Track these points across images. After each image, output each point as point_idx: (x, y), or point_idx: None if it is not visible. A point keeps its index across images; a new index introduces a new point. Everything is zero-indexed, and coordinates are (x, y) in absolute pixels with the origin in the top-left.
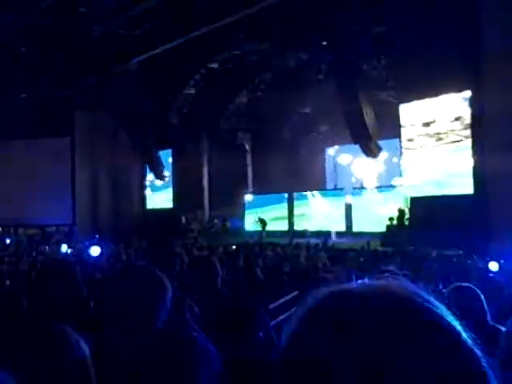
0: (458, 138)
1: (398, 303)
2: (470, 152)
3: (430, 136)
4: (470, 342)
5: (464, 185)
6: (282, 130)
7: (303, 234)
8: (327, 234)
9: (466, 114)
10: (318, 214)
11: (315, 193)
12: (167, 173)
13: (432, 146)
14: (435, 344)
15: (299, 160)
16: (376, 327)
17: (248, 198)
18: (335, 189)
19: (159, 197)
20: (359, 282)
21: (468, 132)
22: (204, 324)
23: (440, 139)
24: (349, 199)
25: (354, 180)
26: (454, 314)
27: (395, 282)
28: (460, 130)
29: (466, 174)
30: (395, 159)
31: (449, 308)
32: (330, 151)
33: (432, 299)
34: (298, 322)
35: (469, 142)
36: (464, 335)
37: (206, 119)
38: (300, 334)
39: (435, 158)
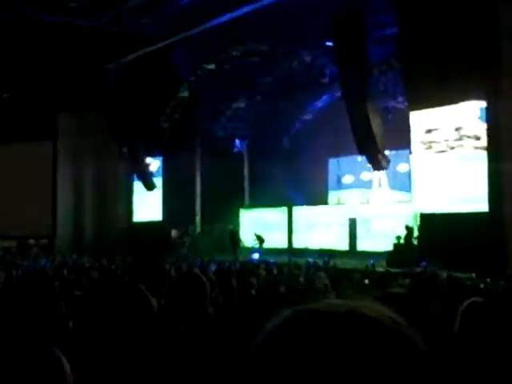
0: (473, 151)
1: (361, 322)
2: (485, 165)
3: (442, 147)
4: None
5: (479, 201)
6: (282, 138)
7: (303, 251)
8: (329, 252)
9: (482, 124)
10: (319, 230)
11: (317, 207)
12: (157, 183)
13: (444, 158)
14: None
15: (300, 171)
16: (336, 349)
17: (244, 212)
18: (338, 203)
19: (147, 209)
20: (325, 301)
21: (484, 143)
22: (188, 347)
23: (453, 150)
24: (353, 214)
25: (358, 194)
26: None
27: (365, 303)
28: (475, 141)
29: (481, 188)
30: (404, 171)
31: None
32: (333, 162)
33: (403, 324)
34: (262, 339)
35: (484, 154)
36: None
37: (200, 125)
38: (262, 351)
39: (448, 171)
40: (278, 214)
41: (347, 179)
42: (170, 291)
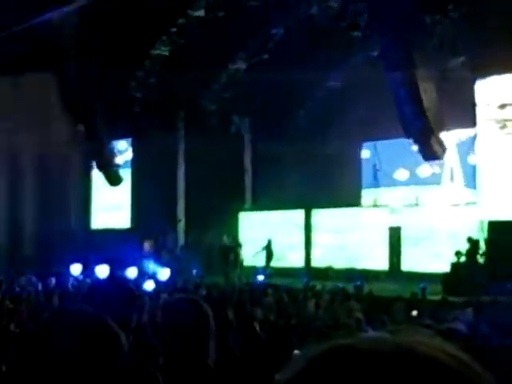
0: None
1: (415, 363)
2: None
3: None
4: None
5: None
6: (296, 115)
7: (326, 272)
8: (362, 273)
9: None
10: (348, 242)
11: (345, 210)
12: (124, 175)
13: None
14: None
15: (322, 160)
16: None
17: (244, 216)
18: (375, 205)
19: (111, 211)
20: (365, 336)
21: None
22: None
23: None
24: (396, 221)
25: (405, 192)
26: None
27: (419, 338)
28: None
29: None
30: (467, 162)
31: None
32: (369, 147)
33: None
34: (291, 375)
35: None
36: None
37: (184, 94)
38: None
39: None
40: (291, 220)
41: (388, 171)
42: (151, 326)
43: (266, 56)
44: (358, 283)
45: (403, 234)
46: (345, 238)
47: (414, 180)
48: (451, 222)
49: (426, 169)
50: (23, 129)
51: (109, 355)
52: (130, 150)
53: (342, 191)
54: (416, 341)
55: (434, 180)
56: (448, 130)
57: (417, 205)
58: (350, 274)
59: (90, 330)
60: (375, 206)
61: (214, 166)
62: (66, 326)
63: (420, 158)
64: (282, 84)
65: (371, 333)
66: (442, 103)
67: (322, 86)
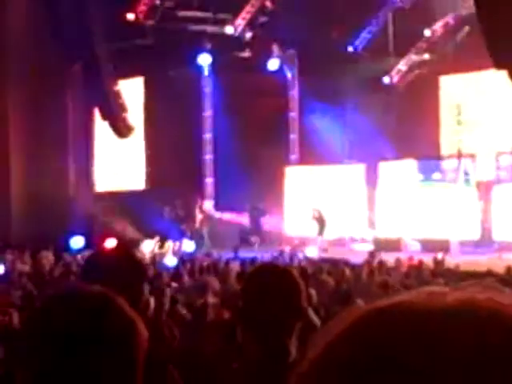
0: None
1: (478, 321)
2: None
3: None
4: None
5: None
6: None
7: (395, 244)
8: (444, 244)
9: None
10: (425, 203)
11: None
12: (136, 123)
13: None
14: None
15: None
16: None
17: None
18: (460, 155)
19: (120, 170)
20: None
21: None
22: None
23: None
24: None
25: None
26: None
27: (484, 294)
28: None
29: None
30: None
31: None
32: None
33: None
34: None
35: None
36: None
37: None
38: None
39: None
40: (349, 176)
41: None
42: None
43: None
44: (439, 255)
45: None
46: (421, 199)
47: None
48: None
49: None
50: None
51: (123, 349)
52: (142, 92)
53: (422, 141)
54: (483, 297)
55: None
56: None
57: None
58: (430, 244)
59: (97, 318)
60: (460, 155)
61: (251, 110)
62: (65, 316)
63: None
64: None
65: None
66: None
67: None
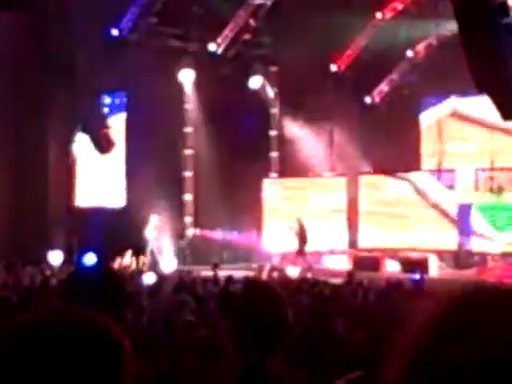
0: None
1: None
2: None
3: None
4: None
5: None
6: None
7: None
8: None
9: None
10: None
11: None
12: (117, 138)
13: None
14: None
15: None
16: None
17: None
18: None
19: (100, 185)
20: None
21: None
22: None
23: None
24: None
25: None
26: None
27: None
28: None
29: None
30: None
31: None
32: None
33: None
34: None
35: None
36: None
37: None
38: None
39: None
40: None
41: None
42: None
43: None
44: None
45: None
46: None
47: None
48: None
49: None
50: None
51: (110, 371)
52: (125, 105)
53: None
54: None
55: None
56: None
57: None
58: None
59: (82, 339)
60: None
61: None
62: (48, 338)
63: None
64: None
65: None
66: None
67: None
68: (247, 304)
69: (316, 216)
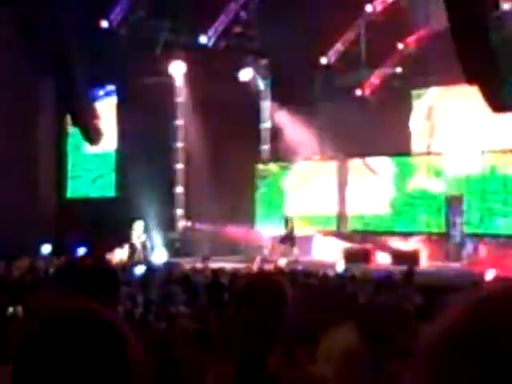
0: None
1: None
2: None
3: None
4: None
5: None
6: None
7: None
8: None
9: None
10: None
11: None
12: (105, 131)
13: None
14: None
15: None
16: None
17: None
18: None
19: (91, 177)
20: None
21: None
22: None
23: None
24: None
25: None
26: None
27: None
28: None
29: None
30: None
31: None
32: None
33: None
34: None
35: None
36: None
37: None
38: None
39: None
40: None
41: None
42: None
43: None
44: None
45: None
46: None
47: None
48: None
49: None
50: None
51: (116, 368)
52: (115, 98)
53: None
54: None
55: None
56: None
57: None
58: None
59: (86, 335)
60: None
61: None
62: (51, 335)
63: None
64: None
65: None
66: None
67: None
68: (252, 298)
69: (308, 200)
